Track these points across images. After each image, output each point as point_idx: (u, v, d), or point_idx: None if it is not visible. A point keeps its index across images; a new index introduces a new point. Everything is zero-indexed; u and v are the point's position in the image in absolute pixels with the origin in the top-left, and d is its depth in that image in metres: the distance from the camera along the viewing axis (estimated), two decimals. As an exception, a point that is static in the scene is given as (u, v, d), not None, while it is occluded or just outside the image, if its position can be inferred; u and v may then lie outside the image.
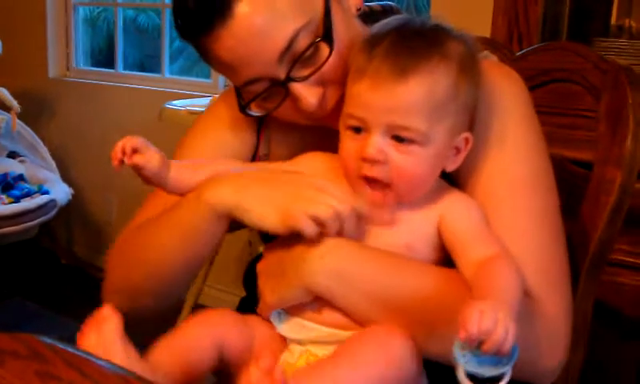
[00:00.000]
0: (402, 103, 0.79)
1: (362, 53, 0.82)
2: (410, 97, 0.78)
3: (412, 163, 0.80)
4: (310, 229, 0.79)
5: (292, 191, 0.82)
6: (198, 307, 2.58)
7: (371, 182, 0.82)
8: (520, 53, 1.19)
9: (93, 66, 3.80)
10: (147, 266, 0.93)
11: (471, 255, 0.79)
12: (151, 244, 0.93)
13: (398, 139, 0.80)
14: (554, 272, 0.87)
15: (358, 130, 0.82)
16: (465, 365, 0.66)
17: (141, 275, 0.94)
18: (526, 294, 0.83)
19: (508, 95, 0.91)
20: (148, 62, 5.36)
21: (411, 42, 0.80)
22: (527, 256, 0.84)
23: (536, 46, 1.26)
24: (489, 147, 0.88)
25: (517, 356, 0.66)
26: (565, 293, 0.87)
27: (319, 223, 0.79)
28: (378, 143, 0.80)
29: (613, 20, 1.86)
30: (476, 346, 0.65)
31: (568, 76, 1.09)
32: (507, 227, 0.85)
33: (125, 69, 3.54)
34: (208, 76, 3.08)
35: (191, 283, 0.98)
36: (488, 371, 0.66)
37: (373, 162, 0.80)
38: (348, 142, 0.83)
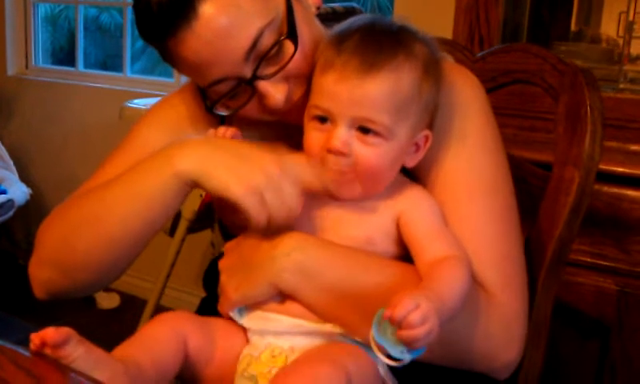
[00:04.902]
0: (367, 97, 0.80)
1: (331, 47, 0.83)
2: (376, 91, 0.80)
3: (375, 155, 0.82)
4: (257, 218, 0.80)
5: (258, 164, 0.81)
6: (159, 309, 2.56)
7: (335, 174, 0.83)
8: (480, 54, 1.20)
9: (54, 64, 3.74)
10: (95, 235, 0.87)
11: (426, 255, 0.82)
12: (103, 211, 0.88)
13: (364, 130, 0.82)
14: (510, 267, 0.88)
15: (323, 120, 0.83)
16: (375, 335, 0.70)
17: (86, 245, 0.88)
18: (483, 288, 0.86)
19: (467, 97, 0.93)
20: (110, 62, 5.30)
21: (379, 40, 0.82)
22: (484, 251, 0.87)
23: (496, 47, 1.26)
24: (448, 146, 0.90)
25: (421, 354, 0.70)
26: (520, 288, 0.89)
27: (267, 211, 0.80)
28: (343, 135, 0.81)
29: (572, 26, 1.89)
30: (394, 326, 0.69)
31: (527, 77, 1.10)
32: (465, 225, 0.87)
33: (87, 68, 3.48)
34: (170, 75, 3.05)
35: (128, 266, 0.92)
36: (393, 351, 0.70)
37: (337, 153, 0.81)
38: (313, 133, 0.85)
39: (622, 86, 1.65)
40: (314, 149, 0.84)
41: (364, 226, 0.86)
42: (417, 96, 0.83)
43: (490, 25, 1.70)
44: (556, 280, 0.97)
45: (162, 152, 0.86)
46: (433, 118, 0.87)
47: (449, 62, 0.97)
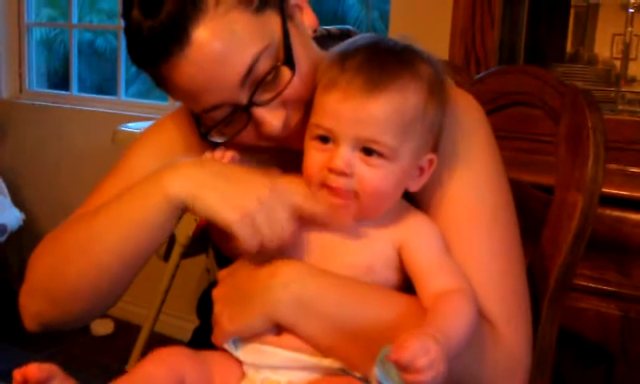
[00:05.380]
0: (371, 117, 0.78)
1: (334, 66, 0.81)
2: (381, 111, 0.78)
3: (378, 177, 0.79)
4: (248, 243, 0.78)
5: (249, 187, 0.79)
6: (154, 335, 2.51)
7: (334, 192, 0.80)
8: (478, 76, 1.18)
9: (50, 88, 3.73)
10: (86, 262, 0.85)
11: (431, 287, 0.79)
12: (93, 237, 0.85)
13: (367, 152, 0.79)
14: (514, 300, 0.86)
15: (324, 139, 0.81)
16: (378, 375, 0.67)
17: (77, 274, 0.85)
18: (486, 321, 0.83)
19: (470, 121, 0.91)
20: (106, 86, 5.29)
21: (384, 59, 0.80)
22: (487, 284, 0.84)
23: (494, 69, 1.25)
24: (452, 171, 0.88)
25: None
26: (524, 320, 0.86)
27: (259, 236, 0.78)
28: (346, 155, 0.79)
29: (568, 48, 1.89)
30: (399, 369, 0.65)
31: (527, 99, 1.08)
32: (467, 255, 0.85)
33: (83, 92, 3.47)
34: (165, 99, 3.03)
35: (119, 292, 0.90)
36: None
37: (339, 173, 0.79)
38: (313, 153, 0.82)
39: (620, 107, 1.64)
40: (313, 169, 0.81)
41: (364, 254, 0.83)
42: (422, 117, 0.80)
43: (486, 47, 1.69)
44: (560, 307, 0.94)
45: (152, 175, 0.83)
46: (437, 140, 0.85)
47: (451, 85, 0.95)
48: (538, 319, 0.93)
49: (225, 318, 0.83)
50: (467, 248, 0.85)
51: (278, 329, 0.81)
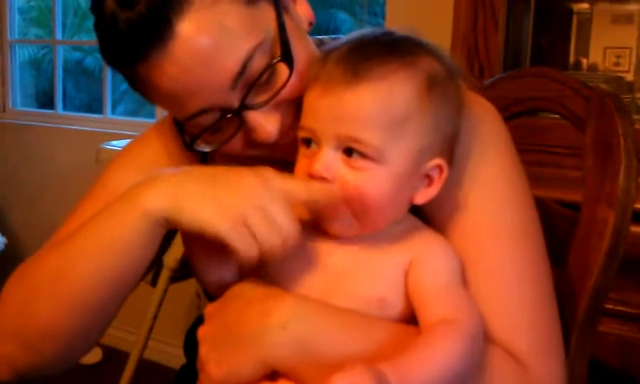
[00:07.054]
0: (350, 111, 0.69)
1: (319, 60, 0.73)
2: (360, 104, 0.68)
3: (364, 182, 0.70)
4: (244, 247, 0.67)
5: (237, 188, 0.69)
6: (143, 363, 2.41)
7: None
8: (489, 81, 1.08)
9: (39, 108, 3.65)
10: (59, 296, 0.74)
11: (426, 318, 0.68)
12: (65, 267, 0.75)
13: (348, 152, 0.70)
14: (545, 332, 0.75)
15: (309, 142, 0.72)
16: None
17: (49, 311, 0.75)
18: (515, 358, 0.72)
19: (489, 130, 0.81)
20: (95, 105, 5.23)
21: (370, 48, 0.71)
22: (515, 315, 0.74)
23: (506, 73, 1.15)
24: (470, 190, 0.77)
25: None
26: (557, 354, 0.76)
27: (257, 241, 0.67)
28: (326, 159, 0.70)
29: (571, 58, 1.81)
30: None
31: (545, 105, 0.98)
32: (491, 283, 0.74)
33: (72, 111, 3.39)
34: (153, 116, 2.94)
35: (108, 325, 0.80)
36: None
37: (319, 179, 0.70)
38: (300, 160, 0.74)
39: (635, 116, 1.55)
40: (300, 178, 0.73)
41: (376, 284, 0.72)
42: (415, 113, 0.70)
43: (489, 53, 1.59)
44: (591, 336, 0.84)
45: (127, 192, 0.73)
46: (451, 147, 0.74)
47: (465, 89, 0.85)
48: (567, 352, 0.83)
49: (212, 363, 0.71)
50: (490, 274, 0.75)
51: (272, 372, 0.70)
